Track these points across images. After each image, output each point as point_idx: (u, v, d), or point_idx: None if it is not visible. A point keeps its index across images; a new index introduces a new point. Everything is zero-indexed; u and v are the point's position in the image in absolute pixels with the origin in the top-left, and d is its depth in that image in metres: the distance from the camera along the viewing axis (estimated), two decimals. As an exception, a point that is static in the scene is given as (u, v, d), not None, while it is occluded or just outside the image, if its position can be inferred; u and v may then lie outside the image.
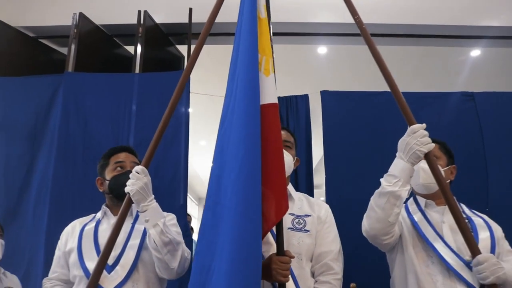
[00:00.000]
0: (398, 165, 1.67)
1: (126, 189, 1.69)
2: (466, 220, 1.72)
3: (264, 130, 1.59)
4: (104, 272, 1.70)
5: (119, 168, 2.00)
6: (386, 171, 1.72)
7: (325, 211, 1.97)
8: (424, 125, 1.65)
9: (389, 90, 1.71)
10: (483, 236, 1.83)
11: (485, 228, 1.88)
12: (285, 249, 1.65)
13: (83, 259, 1.84)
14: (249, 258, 1.38)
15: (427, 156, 1.62)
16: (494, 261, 1.58)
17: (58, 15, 3.69)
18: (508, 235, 2.71)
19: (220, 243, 1.47)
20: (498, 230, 1.91)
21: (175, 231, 1.90)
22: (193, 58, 1.83)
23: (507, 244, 1.90)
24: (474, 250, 1.58)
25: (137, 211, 1.80)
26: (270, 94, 1.71)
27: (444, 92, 3.36)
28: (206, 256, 1.52)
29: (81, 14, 3.39)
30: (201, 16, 3.39)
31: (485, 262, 1.56)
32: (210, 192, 1.63)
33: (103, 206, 2.03)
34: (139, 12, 3.43)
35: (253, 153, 1.50)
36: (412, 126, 1.65)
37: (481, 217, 1.96)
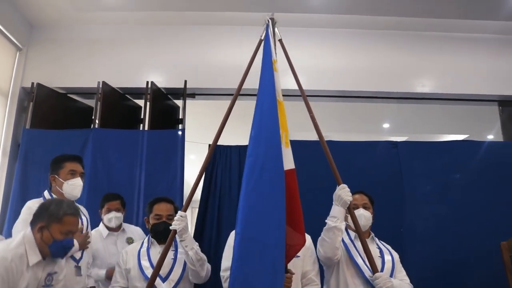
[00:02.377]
0: (335, 209, 2.48)
1: (173, 227, 2.49)
2: (377, 249, 2.71)
3: (288, 187, 2.23)
4: (159, 280, 2.57)
5: (157, 218, 2.84)
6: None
7: (308, 241, 2.69)
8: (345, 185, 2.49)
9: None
10: (387, 259, 2.71)
11: (389, 254, 2.75)
12: None
13: (145, 273, 2.64)
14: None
15: (350, 204, 2.47)
16: (386, 277, 2.37)
17: (84, 79, 4.84)
18: (418, 252, 3.87)
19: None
20: (396, 255, 2.78)
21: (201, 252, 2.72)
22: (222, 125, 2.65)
23: (400, 266, 2.76)
24: (374, 269, 2.38)
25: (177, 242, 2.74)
26: (289, 161, 2.37)
27: (373, 141, 4.42)
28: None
29: (103, 82, 4.55)
30: (191, 82, 4.73)
31: (380, 277, 2.35)
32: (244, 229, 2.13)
33: (151, 238, 2.83)
34: (147, 82, 4.65)
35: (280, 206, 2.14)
36: (341, 185, 2.47)
37: (386, 247, 2.82)
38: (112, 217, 3.36)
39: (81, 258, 2.67)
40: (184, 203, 2.58)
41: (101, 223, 3.44)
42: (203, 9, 4.80)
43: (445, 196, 4.16)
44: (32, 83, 4.66)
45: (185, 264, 2.70)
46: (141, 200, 4.01)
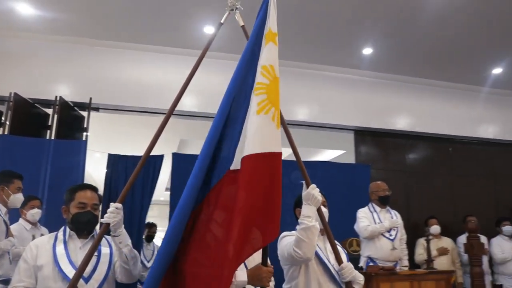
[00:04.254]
0: (309, 209, 2.42)
1: (106, 220, 2.15)
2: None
3: (269, 173, 2.02)
4: (81, 281, 2.14)
5: (81, 207, 2.39)
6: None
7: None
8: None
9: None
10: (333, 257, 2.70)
11: (343, 253, 2.74)
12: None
13: (64, 273, 2.21)
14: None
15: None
16: (350, 267, 2.49)
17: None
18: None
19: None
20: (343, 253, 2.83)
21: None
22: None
23: None
24: (339, 261, 2.50)
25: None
26: (277, 144, 2.09)
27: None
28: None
29: (15, 93, 5.02)
30: (96, 97, 5.42)
31: (345, 268, 2.47)
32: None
33: (69, 230, 2.40)
34: (56, 96, 5.24)
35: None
36: (312, 185, 2.45)
37: (341, 247, 2.87)
38: (35, 213, 4.00)
39: None
40: (120, 195, 2.26)
41: (21, 219, 4.02)
42: (105, 38, 5.66)
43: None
44: None
45: (110, 261, 2.38)
46: (45, 203, 4.44)
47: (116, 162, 4.90)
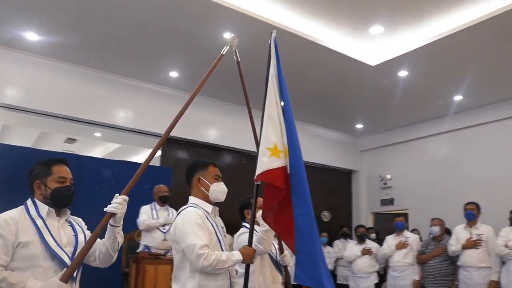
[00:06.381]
0: None
1: (114, 210, 2.24)
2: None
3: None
4: (68, 260, 2.15)
5: (61, 181, 2.27)
6: None
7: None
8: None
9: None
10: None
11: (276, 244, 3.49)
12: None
13: (54, 251, 2.12)
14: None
15: None
16: (288, 255, 3.38)
17: None
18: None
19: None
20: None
21: None
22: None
23: None
24: (281, 251, 3.39)
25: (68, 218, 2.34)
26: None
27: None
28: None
29: None
30: None
31: (286, 256, 3.37)
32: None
33: (48, 207, 2.23)
34: None
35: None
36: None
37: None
38: None
39: None
40: (126, 187, 2.37)
41: None
42: None
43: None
44: None
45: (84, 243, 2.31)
46: None
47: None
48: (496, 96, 7.80)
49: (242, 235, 3.43)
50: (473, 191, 7.71)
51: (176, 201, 5.92)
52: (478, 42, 5.84)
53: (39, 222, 2.17)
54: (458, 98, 7.88)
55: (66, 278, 2.07)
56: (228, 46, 3.05)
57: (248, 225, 3.40)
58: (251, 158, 8.29)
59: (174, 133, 7.19)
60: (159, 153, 7.50)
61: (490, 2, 5.19)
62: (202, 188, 2.69)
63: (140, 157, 9.29)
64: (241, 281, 2.71)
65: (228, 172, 7.89)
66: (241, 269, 2.95)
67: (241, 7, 5.20)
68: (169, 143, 7.59)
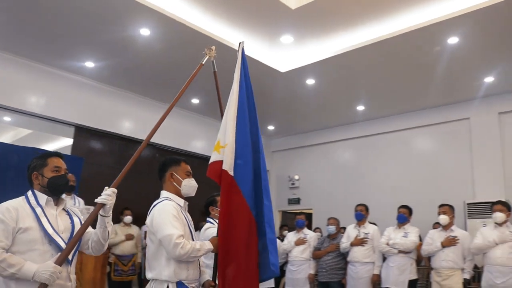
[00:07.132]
0: None
1: (103, 201, 2.42)
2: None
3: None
4: (64, 244, 2.36)
5: (56, 170, 2.52)
6: None
7: None
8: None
9: None
10: None
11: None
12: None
13: (51, 236, 2.35)
14: None
15: None
16: None
17: None
18: None
19: None
20: None
21: None
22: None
23: None
24: None
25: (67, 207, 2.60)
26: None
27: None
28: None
29: None
30: None
31: None
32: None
33: (47, 197, 2.48)
34: None
35: None
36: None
37: None
38: None
39: None
40: (115, 180, 2.58)
41: None
42: None
43: None
44: None
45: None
46: None
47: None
48: (393, 109, 8.63)
49: (208, 229, 3.69)
50: (372, 194, 8.47)
51: (86, 190, 6.08)
52: (370, 61, 6.48)
53: (38, 210, 2.40)
54: (360, 108, 8.60)
55: (61, 261, 2.28)
56: (207, 57, 3.31)
57: (212, 220, 3.81)
58: (164, 152, 8.52)
59: (86, 122, 7.56)
60: (70, 141, 7.41)
61: (381, 26, 5.82)
62: (174, 183, 2.89)
63: (52, 145, 8.98)
64: (208, 270, 2.97)
65: (140, 164, 8.02)
66: (207, 261, 3.31)
67: (157, 5, 5.31)
68: (80, 131, 7.51)
